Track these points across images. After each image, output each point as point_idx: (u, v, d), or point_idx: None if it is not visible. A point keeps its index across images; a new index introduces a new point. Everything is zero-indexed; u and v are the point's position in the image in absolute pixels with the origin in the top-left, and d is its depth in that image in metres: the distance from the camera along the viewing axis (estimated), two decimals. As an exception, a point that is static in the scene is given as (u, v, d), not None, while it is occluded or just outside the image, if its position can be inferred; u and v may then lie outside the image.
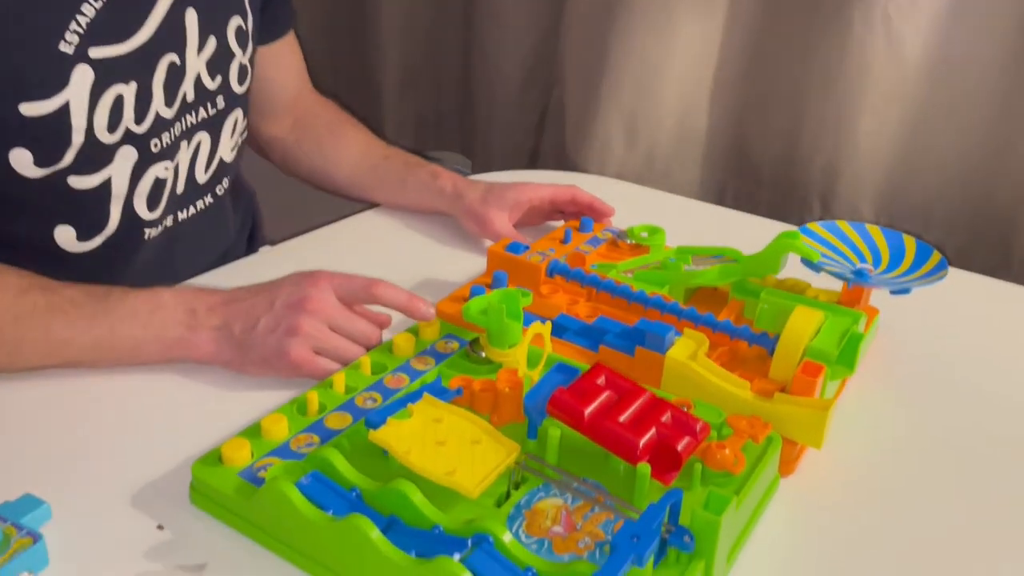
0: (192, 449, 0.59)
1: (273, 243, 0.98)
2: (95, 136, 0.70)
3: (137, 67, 0.71)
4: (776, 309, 0.69)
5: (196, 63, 0.77)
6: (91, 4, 0.67)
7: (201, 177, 0.82)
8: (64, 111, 0.67)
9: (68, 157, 0.69)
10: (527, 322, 0.71)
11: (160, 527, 0.53)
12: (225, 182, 0.86)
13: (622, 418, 0.53)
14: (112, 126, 0.70)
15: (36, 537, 0.49)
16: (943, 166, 1.03)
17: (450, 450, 0.53)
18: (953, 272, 0.72)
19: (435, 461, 0.51)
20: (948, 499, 0.60)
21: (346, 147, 0.97)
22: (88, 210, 0.74)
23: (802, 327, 0.63)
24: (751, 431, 0.56)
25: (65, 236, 0.74)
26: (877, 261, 0.75)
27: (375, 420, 0.55)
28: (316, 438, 0.57)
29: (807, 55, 1.05)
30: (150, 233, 0.79)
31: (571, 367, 0.59)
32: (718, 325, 0.69)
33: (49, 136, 0.67)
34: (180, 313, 0.66)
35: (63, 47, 0.66)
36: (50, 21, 0.65)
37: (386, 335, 0.69)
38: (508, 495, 0.52)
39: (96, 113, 0.69)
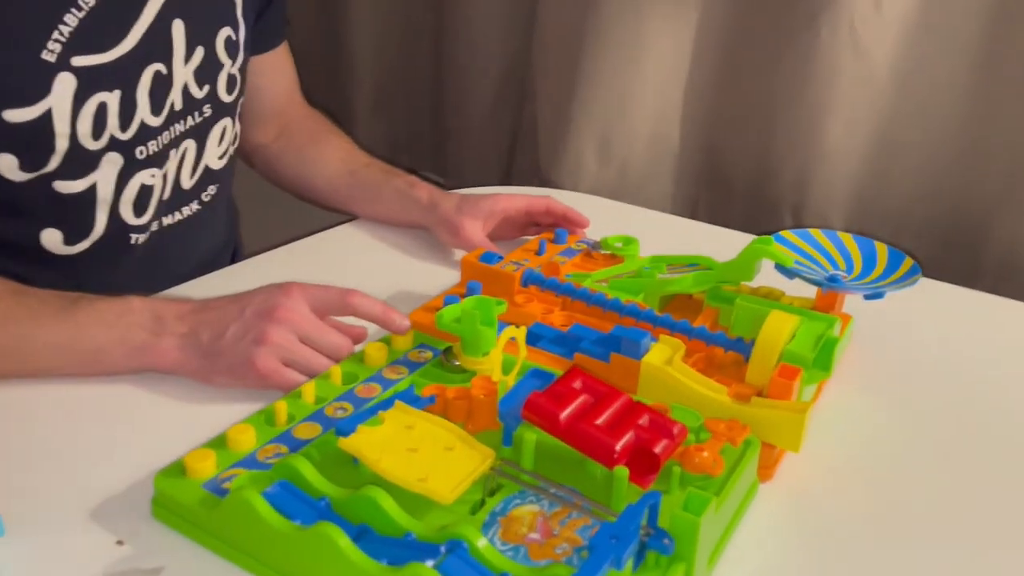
0: (155, 461, 0.57)
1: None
2: (79, 143, 0.70)
3: (121, 76, 0.71)
4: (751, 315, 0.69)
5: (183, 73, 0.77)
6: (74, 13, 0.67)
7: (186, 183, 0.82)
8: (47, 118, 0.67)
9: (53, 163, 0.70)
10: (501, 331, 0.70)
11: (120, 542, 0.51)
12: (212, 189, 0.86)
13: (599, 421, 0.52)
14: (96, 133, 0.71)
15: (-13, 554, 0.46)
16: (912, 175, 1.04)
17: (423, 457, 0.51)
18: (924, 282, 0.73)
19: (407, 468, 0.50)
20: (927, 500, 0.59)
21: (327, 156, 0.96)
22: (74, 214, 0.74)
23: (778, 331, 0.62)
24: (729, 434, 0.55)
25: (52, 239, 0.74)
26: (850, 268, 0.75)
27: (345, 428, 0.53)
28: (284, 448, 0.55)
29: (776, 67, 1.06)
30: (137, 238, 0.79)
31: (546, 372, 0.58)
32: (693, 331, 0.68)
33: (33, 142, 0.68)
34: (147, 319, 0.64)
35: (45, 55, 0.66)
36: (33, 29, 0.66)
37: (358, 347, 0.68)
38: (483, 502, 0.51)
39: (79, 120, 0.69)
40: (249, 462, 0.54)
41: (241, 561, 0.49)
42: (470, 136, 1.35)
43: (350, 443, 0.51)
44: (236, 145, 0.88)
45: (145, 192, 0.77)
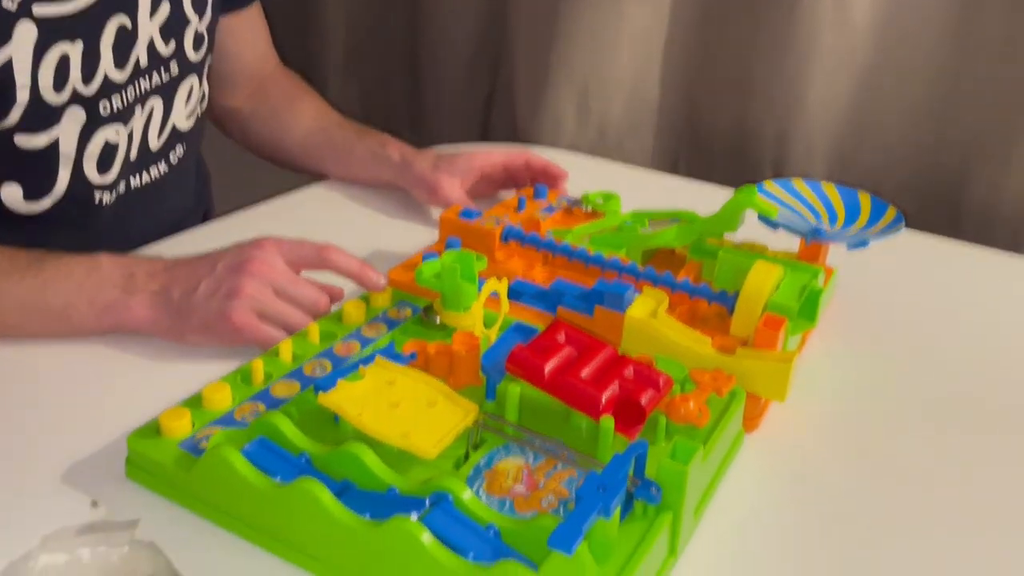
0: (128, 422, 0.55)
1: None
2: (40, 95, 0.68)
3: (83, 27, 0.69)
4: (735, 267, 0.68)
5: (148, 27, 0.75)
6: None
7: (154, 144, 0.80)
8: (7, 68, 0.65)
9: (14, 115, 0.67)
10: (482, 286, 0.68)
11: (95, 503, 0.49)
12: (179, 150, 0.84)
13: (583, 373, 0.51)
14: (58, 85, 0.69)
15: (-44, 517, 0.45)
16: (893, 131, 1.03)
17: (405, 412, 0.50)
18: (907, 233, 0.72)
19: (389, 423, 0.49)
20: (912, 449, 0.59)
21: (299, 117, 0.94)
22: (35, 170, 0.72)
23: (762, 281, 0.62)
24: (715, 384, 0.54)
25: (11, 195, 0.72)
26: (833, 219, 0.74)
27: (325, 384, 0.52)
28: (262, 407, 0.54)
29: (757, 23, 1.05)
30: (102, 197, 0.77)
31: (529, 327, 0.57)
32: (677, 284, 0.67)
33: None
34: (117, 276, 0.63)
35: (6, 3, 0.64)
36: None
37: (335, 306, 0.66)
38: (467, 456, 0.50)
39: (40, 71, 0.67)
40: (226, 420, 0.52)
41: (220, 520, 0.48)
42: (446, 95, 1.33)
43: (330, 399, 0.50)
44: (204, 106, 0.85)
45: (109, 149, 0.75)
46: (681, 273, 0.71)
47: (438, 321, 0.63)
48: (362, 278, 0.65)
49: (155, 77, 0.77)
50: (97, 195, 0.76)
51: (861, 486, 0.55)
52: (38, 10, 0.66)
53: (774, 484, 0.55)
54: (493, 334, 0.57)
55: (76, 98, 0.70)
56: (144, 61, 0.75)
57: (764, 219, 0.70)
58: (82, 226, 0.76)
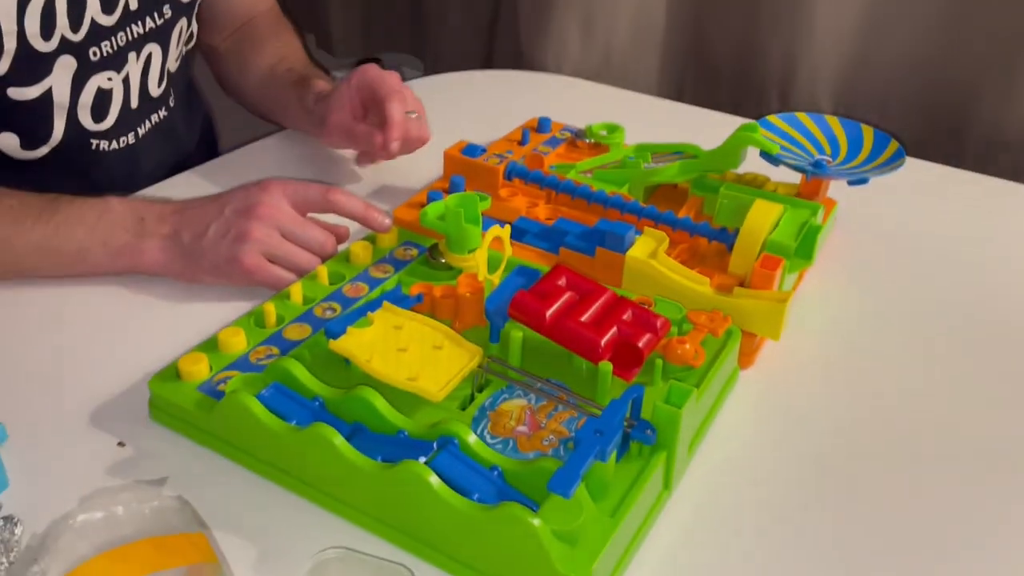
0: (149, 364, 0.58)
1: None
2: (28, 43, 0.67)
3: None
4: (735, 204, 0.69)
5: None
6: None
7: (155, 91, 0.80)
8: None
9: (4, 64, 0.67)
10: (486, 226, 0.70)
11: (121, 443, 0.52)
12: (173, 92, 0.83)
13: (583, 318, 0.53)
14: (46, 33, 0.68)
15: (-8, 460, 0.48)
16: (898, 56, 1.02)
17: (412, 356, 0.52)
18: (910, 162, 0.72)
19: (397, 367, 0.51)
20: (908, 383, 0.61)
21: (259, 61, 0.89)
22: (31, 120, 0.72)
23: (761, 220, 0.63)
24: (711, 325, 0.56)
25: (9, 143, 0.72)
26: (836, 152, 0.74)
27: (335, 329, 0.54)
28: (275, 350, 0.56)
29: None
30: (100, 144, 0.77)
31: (532, 270, 0.59)
32: (678, 223, 0.68)
33: None
34: (128, 220, 0.64)
35: None
36: None
37: (342, 247, 0.68)
38: (472, 398, 0.52)
39: (26, 18, 0.66)
40: (241, 364, 0.55)
41: (240, 459, 0.51)
42: (448, 22, 1.31)
43: (340, 345, 0.52)
44: (191, 45, 0.84)
45: (103, 96, 0.74)
46: (683, 210, 0.72)
47: (443, 261, 0.65)
48: (367, 220, 0.66)
49: (148, 22, 0.75)
50: (94, 142, 0.76)
51: (853, 422, 0.57)
52: None
53: (767, 419, 0.57)
54: (497, 278, 0.58)
55: (65, 46, 0.69)
56: (134, 4, 0.73)
57: (765, 156, 0.71)
58: (83, 170, 0.77)
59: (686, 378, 0.53)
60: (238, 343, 0.56)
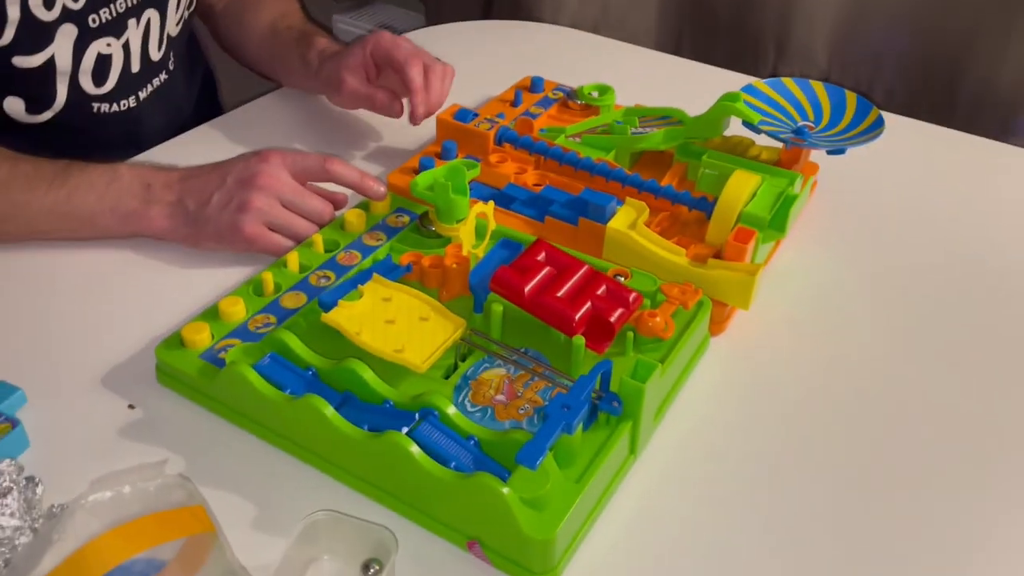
0: (155, 328, 0.62)
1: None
2: (31, 12, 0.70)
3: None
4: (716, 172, 0.71)
5: None
6: None
7: (155, 55, 0.82)
8: None
9: (8, 35, 0.70)
10: (476, 193, 0.72)
11: (131, 406, 0.57)
12: (172, 55, 0.85)
13: (560, 293, 0.56)
14: (48, 2, 0.70)
15: (15, 422, 0.52)
16: (894, 8, 1.02)
17: (399, 328, 0.56)
18: (895, 121, 0.74)
19: (385, 339, 0.55)
20: (877, 349, 0.64)
21: (259, 19, 0.90)
22: (35, 87, 0.75)
23: (738, 192, 0.65)
24: (682, 298, 0.59)
25: (14, 107, 0.75)
26: (819, 118, 0.76)
27: (327, 301, 0.58)
28: (273, 318, 0.60)
29: None
30: (101, 108, 0.80)
31: (515, 243, 0.62)
32: (660, 191, 0.71)
33: None
34: (136, 187, 0.67)
35: None
36: None
37: (339, 213, 0.71)
38: (455, 367, 0.56)
39: None
40: (241, 332, 0.59)
41: (240, 423, 0.55)
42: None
43: (332, 318, 0.56)
44: (192, 8, 0.86)
45: (103, 61, 0.77)
46: (667, 176, 0.75)
47: (433, 230, 0.68)
48: (363, 188, 0.69)
49: None
50: (95, 106, 0.79)
51: (821, 389, 0.60)
52: None
53: (735, 386, 0.61)
54: (482, 251, 0.61)
55: (67, 15, 0.72)
56: None
57: (747, 125, 0.73)
58: (86, 133, 0.80)
59: (655, 349, 0.57)
60: (238, 312, 0.59)
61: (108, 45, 0.76)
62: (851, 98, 0.76)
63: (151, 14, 0.79)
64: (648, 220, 0.66)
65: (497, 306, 0.57)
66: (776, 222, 0.65)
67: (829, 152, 0.71)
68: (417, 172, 0.75)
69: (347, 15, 1.55)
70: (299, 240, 0.67)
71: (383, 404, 0.52)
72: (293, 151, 0.69)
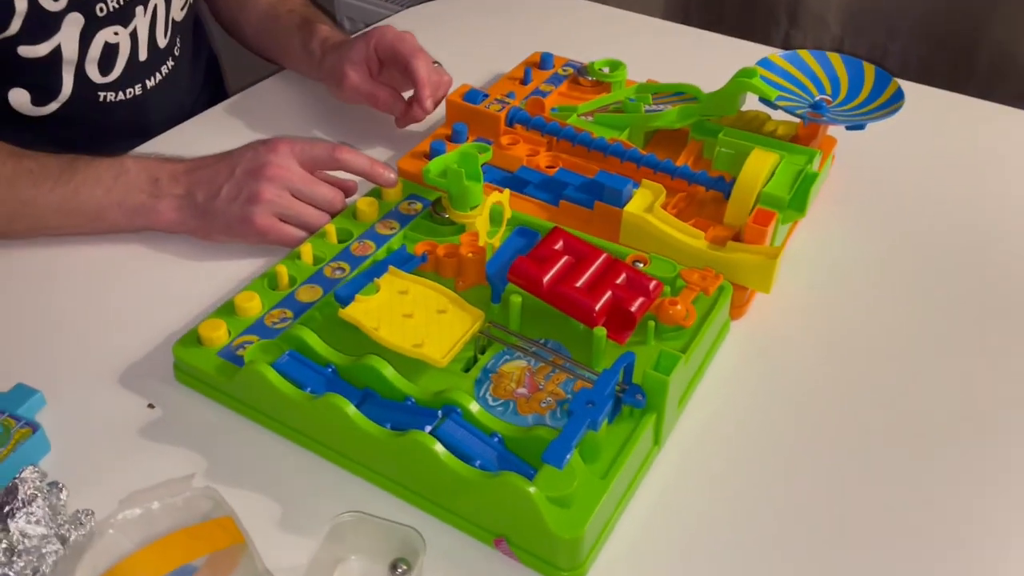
0: (170, 324, 0.61)
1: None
2: (39, 3, 0.69)
3: None
4: (733, 150, 0.70)
5: None
6: None
7: (162, 42, 0.81)
8: None
9: (14, 25, 0.68)
10: (488, 176, 0.71)
11: (151, 406, 0.56)
12: (178, 41, 0.84)
13: (579, 283, 0.56)
14: None
15: (35, 427, 0.52)
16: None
17: (417, 321, 0.55)
18: (912, 88, 0.72)
19: (403, 334, 0.54)
20: (900, 328, 0.63)
21: (259, 0, 0.88)
22: (41, 76, 0.74)
23: (756, 172, 0.64)
24: (703, 284, 0.59)
25: (20, 99, 0.74)
26: (836, 91, 0.74)
27: (343, 295, 0.57)
28: (289, 313, 0.59)
29: None
30: (107, 96, 0.79)
31: (531, 231, 0.61)
32: (676, 171, 0.70)
33: None
34: (143, 181, 0.66)
35: None
36: None
37: (350, 200, 0.70)
38: (475, 360, 0.56)
39: None
40: (258, 328, 0.58)
41: (262, 421, 0.55)
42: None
43: (349, 313, 0.55)
44: None
45: (110, 50, 0.76)
46: (682, 155, 0.73)
47: (446, 217, 0.67)
48: (373, 176, 0.68)
49: None
50: (102, 95, 0.78)
51: (843, 371, 0.60)
52: None
53: (756, 369, 0.60)
54: (498, 240, 0.61)
55: (73, 4, 0.71)
56: None
57: (764, 101, 0.71)
58: (92, 122, 0.79)
59: (677, 338, 0.56)
60: (253, 307, 0.59)
61: (115, 34, 0.75)
62: (869, 70, 0.75)
63: (157, 1, 0.78)
64: (664, 202, 0.65)
65: (516, 297, 0.57)
66: (796, 202, 0.64)
67: (848, 128, 0.70)
68: (428, 157, 0.74)
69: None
70: (311, 230, 0.66)
71: (404, 401, 0.51)
72: (301, 139, 0.68)
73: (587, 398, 0.47)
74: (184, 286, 0.65)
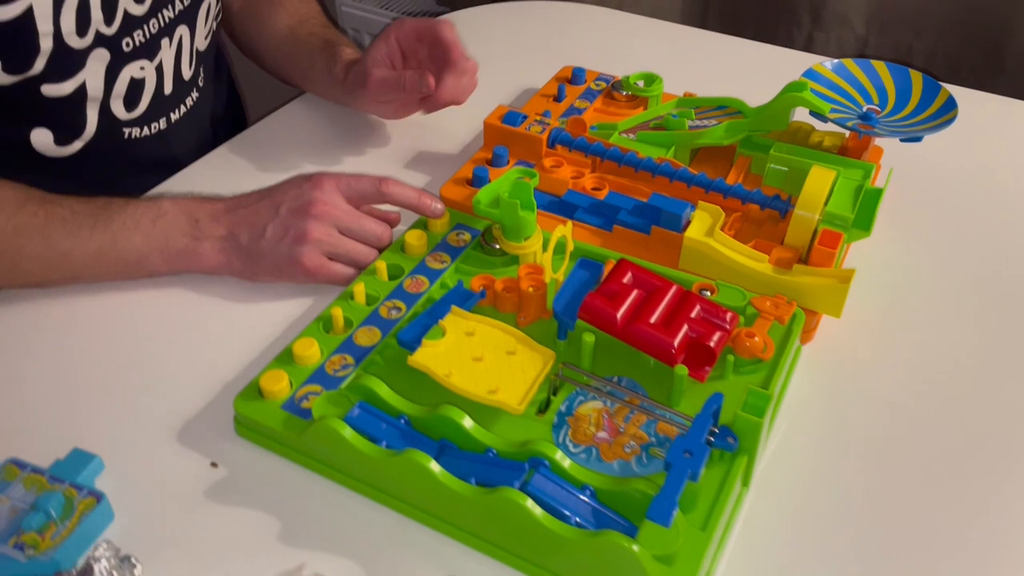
0: (224, 373, 0.59)
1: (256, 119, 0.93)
2: (64, 41, 0.66)
3: None
4: (786, 167, 0.68)
5: None
6: None
7: (187, 73, 0.78)
8: (28, 16, 0.63)
9: (39, 64, 0.66)
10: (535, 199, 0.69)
11: (214, 464, 0.54)
12: (202, 72, 0.81)
13: (653, 318, 0.54)
14: (81, 30, 0.67)
15: (98, 496, 0.50)
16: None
17: (488, 365, 0.53)
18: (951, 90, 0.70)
19: (476, 380, 0.52)
20: (972, 347, 0.62)
21: (276, 21, 0.85)
22: (65, 115, 0.71)
23: (819, 191, 0.62)
24: (776, 312, 0.57)
25: (42, 139, 0.72)
26: (884, 101, 0.73)
27: (407, 340, 0.55)
28: (350, 359, 0.57)
29: None
30: (132, 133, 0.76)
31: (594, 263, 0.59)
32: (729, 190, 0.68)
33: (16, 42, 0.64)
34: (183, 223, 0.64)
35: None
36: None
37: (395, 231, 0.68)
38: (548, 402, 0.54)
39: (62, 17, 0.65)
40: (319, 376, 0.56)
41: (334, 477, 0.52)
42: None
43: (419, 360, 0.53)
44: (219, 19, 0.82)
45: (136, 86, 0.73)
46: (732, 172, 0.72)
47: (497, 247, 0.65)
48: (421, 208, 0.66)
49: (177, 4, 0.74)
50: (126, 131, 0.75)
51: (917, 394, 0.58)
52: None
53: (830, 395, 0.59)
54: (561, 275, 0.59)
55: (99, 40, 0.68)
56: None
57: (816, 115, 0.69)
58: (115, 158, 0.76)
59: (756, 371, 0.55)
60: (313, 355, 0.57)
61: (141, 68, 0.73)
62: (916, 79, 0.73)
63: (182, 31, 0.75)
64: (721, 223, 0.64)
65: (588, 336, 0.55)
66: (861, 221, 0.63)
67: (903, 140, 0.69)
68: (470, 182, 0.72)
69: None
70: (361, 267, 0.64)
71: (486, 453, 0.49)
72: (345, 174, 0.66)
73: (683, 447, 0.45)
74: (231, 330, 0.63)
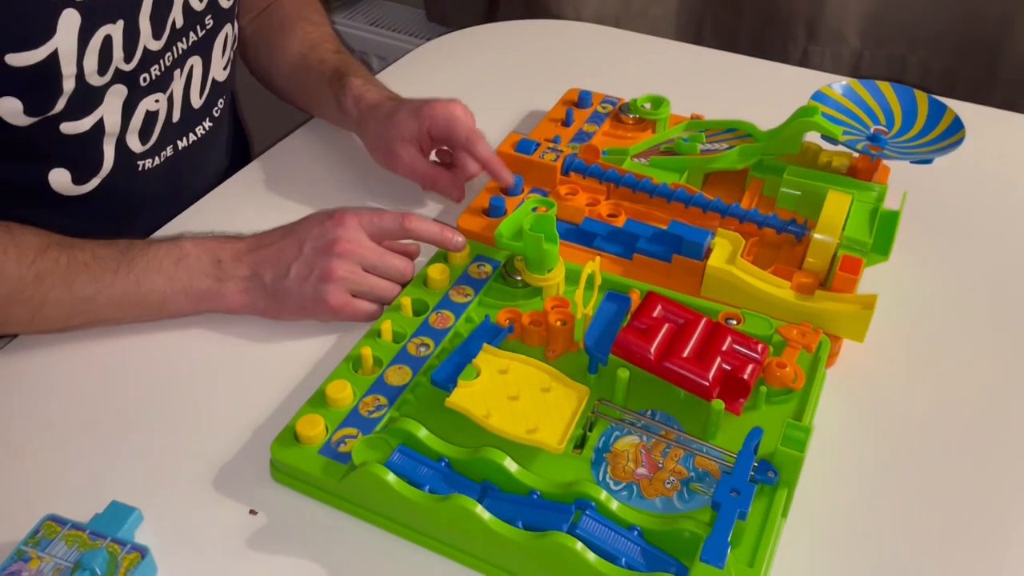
0: (255, 416, 0.59)
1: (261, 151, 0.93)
2: (86, 80, 0.66)
3: (123, 4, 0.66)
4: (799, 191, 0.69)
5: None
6: None
7: (196, 102, 0.78)
8: (53, 59, 0.63)
9: (60, 104, 0.66)
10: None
11: (253, 512, 0.54)
12: (221, 103, 0.81)
13: (685, 352, 0.55)
14: (102, 69, 0.67)
15: (143, 551, 0.49)
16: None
17: (525, 404, 0.54)
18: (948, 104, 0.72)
19: (514, 420, 0.53)
20: (985, 360, 0.63)
21: (287, 47, 0.85)
22: (83, 152, 0.71)
23: (837, 216, 0.64)
24: (803, 340, 0.58)
25: (60, 179, 0.71)
26: (890, 122, 0.74)
27: (441, 380, 0.55)
28: (383, 399, 0.57)
29: None
30: (144, 165, 0.76)
31: (621, 295, 0.60)
32: (745, 216, 0.69)
33: (39, 85, 0.64)
34: (206, 264, 0.64)
35: None
36: None
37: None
38: (584, 439, 0.54)
39: (86, 58, 0.65)
40: (354, 419, 0.56)
41: (376, 521, 0.53)
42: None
43: (456, 401, 0.54)
44: (236, 47, 0.81)
45: (150, 118, 0.73)
46: (746, 197, 0.73)
47: (519, 279, 0.65)
48: (443, 242, 0.66)
49: (191, 36, 0.73)
50: (140, 163, 0.75)
51: (942, 415, 0.60)
52: None
53: (856, 419, 0.60)
54: (591, 309, 0.59)
55: (118, 77, 0.68)
56: (180, 22, 0.71)
57: (827, 139, 0.71)
58: (130, 194, 0.76)
59: (788, 400, 0.56)
60: (346, 397, 0.57)
61: (156, 101, 0.73)
62: (922, 99, 0.74)
63: (194, 61, 0.75)
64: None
65: (623, 372, 0.55)
66: (879, 245, 0.64)
67: (913, 162, 0.70)
68: (486, 212, 0.72)
69: (342, 14, 1.48)
70: (385, 303, 0.65)
71: (530, 495, 0.50)
72: (366, 210, 0.66)
73: (730, 485, 0.46)
74: (257, 370, 0.63)
